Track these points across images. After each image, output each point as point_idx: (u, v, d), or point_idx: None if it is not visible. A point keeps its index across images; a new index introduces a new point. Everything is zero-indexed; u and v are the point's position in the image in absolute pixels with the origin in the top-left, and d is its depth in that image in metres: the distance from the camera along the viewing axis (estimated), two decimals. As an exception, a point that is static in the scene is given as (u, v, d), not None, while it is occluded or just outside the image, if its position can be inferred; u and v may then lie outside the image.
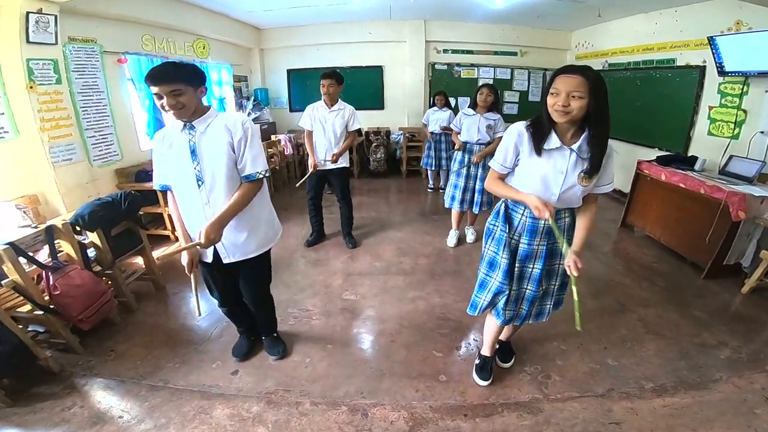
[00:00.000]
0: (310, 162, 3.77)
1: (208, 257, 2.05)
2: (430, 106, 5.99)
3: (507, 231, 1.89)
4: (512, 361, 2.47)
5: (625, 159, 5.31)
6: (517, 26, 6.82)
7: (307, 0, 5.60)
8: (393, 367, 2.48)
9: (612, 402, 2.22)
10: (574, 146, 1.64)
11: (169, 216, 4.17)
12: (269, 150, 6.02)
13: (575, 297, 1.71)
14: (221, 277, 2.18)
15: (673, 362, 2.52)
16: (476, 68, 7.24)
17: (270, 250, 2.25)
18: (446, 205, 4.11)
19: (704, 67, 4.48)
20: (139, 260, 3.48)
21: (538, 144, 1.66)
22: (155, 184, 1.96)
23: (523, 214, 1.85)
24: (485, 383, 2.33)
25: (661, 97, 5.12)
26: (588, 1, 5.00)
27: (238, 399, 2.20)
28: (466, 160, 3.89)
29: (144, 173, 4.35)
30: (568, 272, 1.74)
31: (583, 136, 1.64)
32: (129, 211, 3.04)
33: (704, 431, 2.02)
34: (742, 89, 4.09)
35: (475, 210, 4.00)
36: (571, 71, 1.55)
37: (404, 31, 6.92)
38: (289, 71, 7.30)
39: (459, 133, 3.92)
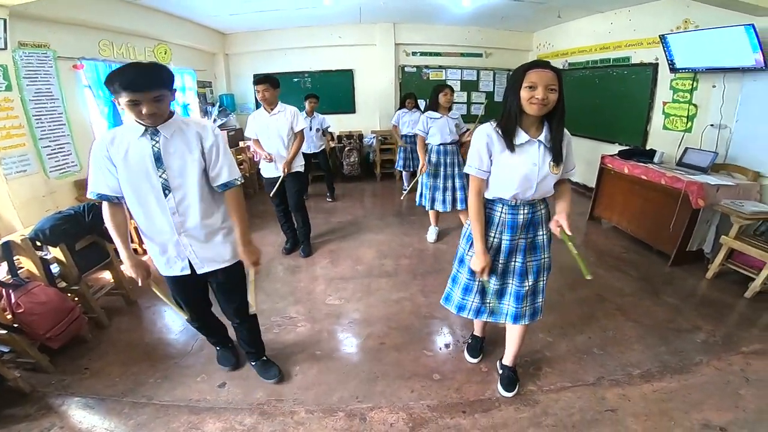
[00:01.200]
0: (263, 156, 3.58)
1: (182, 269, 1.87)
2: (399, 108, 5.92)
3: (486, 230, 1.87)
4: (515, 390, 2.18)
5: (589, 154, 5.43)
6: (482, 28, 6.86)
7: (273, 4, 5.41)
8: (385, 369, 2.40)
9: (604, 390, 2.21)
10: (540, 137, 1.69)
11: (136, 229, 3.90)
12: (238, 157, 5.77)
13: (574, 251, 1.70)
14: (193, 289, 2.02)
15: (654, 348, 2.54)
16: (444, 70, 7.25)
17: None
18: (417, 204, 4.09)
19: (657, 64, 4.62)
20: (107, 275, 3.22)
21: (509, 141, 1.68)
22: (91, 193, 1.66)
23: (501, 211, 1.83)
24: (474, 360, 2.42)
25: (618, 94, 5.26)
26: (548, 2, 5.07)
27: (228, 412, 2.08)
28: (440, 161, 3.84)
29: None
30: (558, 232, 1.74)
31: (544, 127, 1.70)
32: (93, 224, 2.82)
33: (696, 414, 2.02)
34: (692, 85, 4.24)
35: (460, 207, 3.91)
36: (543, 66, 1.58)
37: (374, 35, 6.80)
38: (255, 76, 6.93)
39: (425, 138, 3.85)
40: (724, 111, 3.87)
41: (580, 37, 5.88)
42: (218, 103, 6.44)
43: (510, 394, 2.17)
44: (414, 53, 7.11)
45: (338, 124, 6.70)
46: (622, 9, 5.02)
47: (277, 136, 3.54)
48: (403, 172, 6.07)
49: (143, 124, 1.60)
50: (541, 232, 1.89)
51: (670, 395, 2.15)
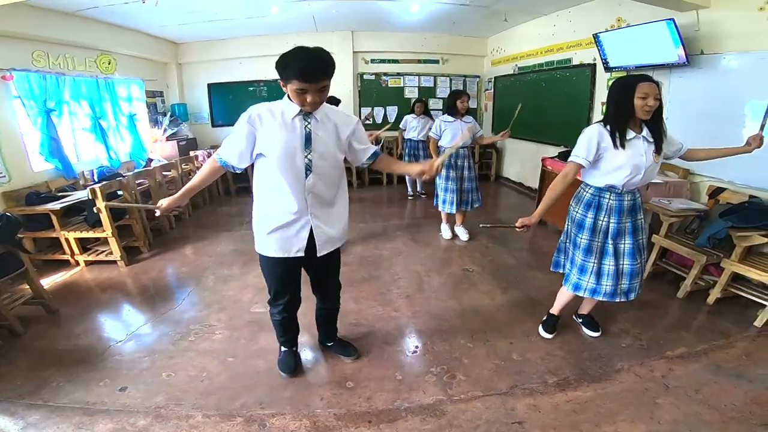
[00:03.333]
0: None
1: (297, 251, 1.81)
2: (409, 113, 5.73)
3: (596, 215, 2.12)
4: (599, 331, 2.47)
5: (533, 158, 5.26)
6: (438, 34, 6.69)
7: (223, 13, 5.17)
8: (298, 375, 2.22)
9: (515, 399, 1.99)
10: (644, 134, 1.97)
11: (67, 240, 3.64)
12: (185, 166, 5.45)
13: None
14: (297, 274, 1.98)
15: (576, 354, 2.32)
16: (402, 77, 7.07)
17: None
18: (441, 209, 4.08)
19: (594, 64, 4.48)
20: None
21: (622, 138, 1.94)
22: (218, 158, 1.73)
23: (609, 198, 2.08)
24: (549, 336, 2.48)
25: (561, 95, 5.11)
26: (493, 6, 4.90)
27: (123, 414, 1.95)
28: (453, 164, 3.84)
29: (35, 196, 3.75)
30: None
31: (644, 125, 1.97)
32: (5, 235, 2.66)
33: (608, 426, 1.80)
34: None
35: (469, 208, 4.01)
36: (650, 80, 1.88)
37: (332, 43, 6.52)
38: (210, 85, 6.75)
39: (438, 141, 3.85)
40: None
41: (527, 40, 5.74)
42: (170, 113, 6.13)
43: (597, 334, 2.45)
44: (373, 61, 6.92)
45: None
46: (563, 11, 4.89)
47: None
48: (407, 177, 5.91)
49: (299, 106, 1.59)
50: (640, 216, 2.14)
51: (583, 406, 1.93)
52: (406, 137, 5.64)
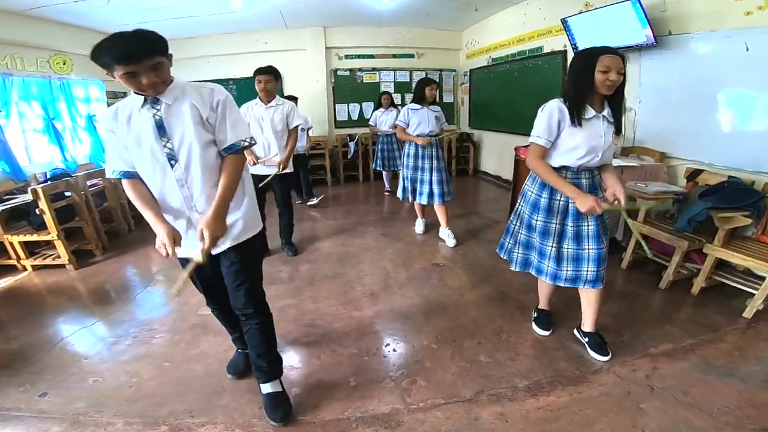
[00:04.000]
0: (249, 161, 3.00)
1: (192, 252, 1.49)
2: (375, 109, 5.47)
3: (550, 196, 1.88)
4: (609, 353, 1.95)
5: (506, 149, 4.98)
6: (412, 28, 6.39)
7: (183, 10, 4.79)
8: (238, 382, 1.93)
9: (480, 407, 1.68)
10: (604, 113, 1.75)
11: (12, 244, 3.26)
12: None
13: (630, 222, 1.85)
14: (211, 271, 1.65)
15: (550, 353, 2.02)
16: (377, 72, 6.73)
17: (261, 235, 1.73)
18: (400, 198, 3.79)
19: (565, 51, 4.22)
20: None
21: (579, 115, 1.72)
22: (112, 173, 1.47)
23: (565, 177, 1.82)
24: (546, 333, 2.17)
25: (534, 85, 4.84)
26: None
27: (37, 420, 1.74)
28: (419, 153, 3.54)
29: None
30: (612, 202, 1.78)
31: (606, 104, 1.77)
32: None
33: None
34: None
35: (437, 201, 3.56)
36: (613, 52, 1.64)
37: (303, 39, 6.23)
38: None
39: (405, 129, 3.54)
40: (627, 93, 3.42)
41: (499, 31, 5.46)
42: None
43: (606, 358, 1.94)
44: (347, 56, 6.56)
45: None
46: (533, -1, 4.62)
47: (271, 129, 3.13)
48: (383, 172, 5.59)
49: (143, 94, 1.37)
50: (600, 195, 1.86)
51: (556, 413, 1.62)
52: (378, 134, 5.34)
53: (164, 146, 1.41)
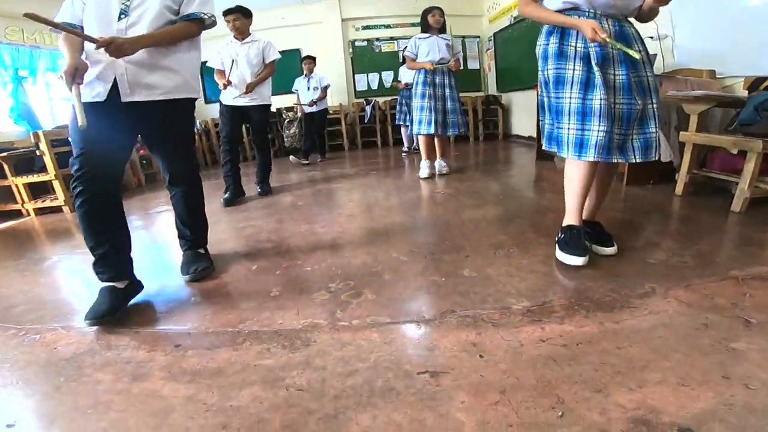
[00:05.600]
0: (221, 84, 2.58)
1: (95, 96, 1.17)
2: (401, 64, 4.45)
3: (560, 42, 1.23)
4: (615, 246, 1.31)
5: (532, 105, 3.98)
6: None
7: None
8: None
9: (442, 332, 0.94)
10: None
11: (17, 186, 3.00)
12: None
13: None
14: (113, 128, 1.19)
15: (567, 271, 1.21)
16: (396, 41, 5.90)
17: (193, 104, 1.41)
18: (414, 132, 3.04)
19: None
20: None
21: None
22: (56, 18, 1.17)
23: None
24: (580, 261, 1.20)
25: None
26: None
27: None
28: (429, 81, 2.86)
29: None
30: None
31: None
32: None
33: (627, 392, 0.71)
34: None
35: (452, 132, 2.95)
36: None
37: (319, 12, 5.61)
38: (202, 63, 5.73)
39: (414, 59, 2.92)
40: (659, 21, 2.45)
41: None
42: None
43: (612, 250, 1.29)
44: (364, 27, 5.81)
45: (289, 102, 5.26)
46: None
47: (246, 63, 2.65)
48: (402, 129, 4.73)
49: None
50: (638, 48, 1.21)
51: (574, 350, 0.84)
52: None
53: (122, 2, 1.20)
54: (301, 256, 1.50)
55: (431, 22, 2.88)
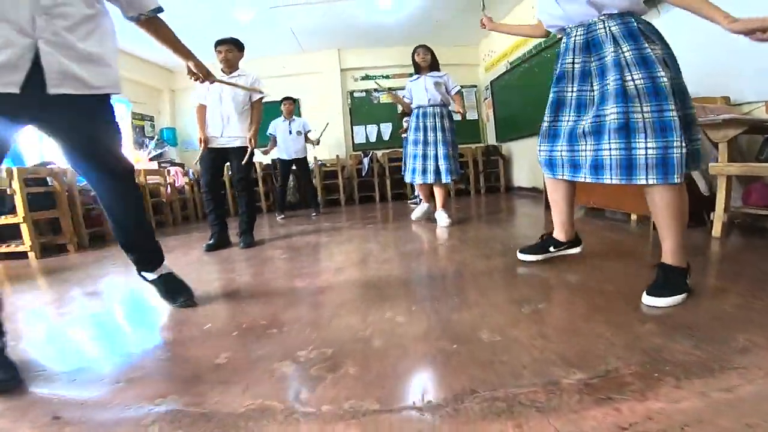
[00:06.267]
0: (199, 137, 2.51)
1: (6, 84, 0.93)
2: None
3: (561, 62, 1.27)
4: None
5: (533, 155, 3.91)
6: (428, 46, 5.77)
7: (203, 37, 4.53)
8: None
9: (459, 426, 0.58)
10: None
11: None
12: (153, 177, 4.35)
13: None
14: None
15: (625, 329, 0.90)
16: (395, 92, 6.07)
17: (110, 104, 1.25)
18: (406, 180, 3.00)
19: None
20: None
21: None
22: None
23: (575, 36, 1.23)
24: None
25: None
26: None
27: None
28: (420, 125, 2.79)
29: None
30: None
31: None
32: None
33: None
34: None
35: (445, 179, 2.75)
36: None
37: (318, 62, 5.75)
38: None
39: (410, 103, 2.92)
40: None
41: (514, 31, 4.67)
42: (157, 137, 5.28)
43: (666, 301, 0.97)
44: (363, 78, 5.98)
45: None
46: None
47: (231, 99, 2.49)
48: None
49: None
50: (641, 45, 1.11)
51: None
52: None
53: None
54: (269, 315, 1.18)
55: (418, 61, 2.84)
